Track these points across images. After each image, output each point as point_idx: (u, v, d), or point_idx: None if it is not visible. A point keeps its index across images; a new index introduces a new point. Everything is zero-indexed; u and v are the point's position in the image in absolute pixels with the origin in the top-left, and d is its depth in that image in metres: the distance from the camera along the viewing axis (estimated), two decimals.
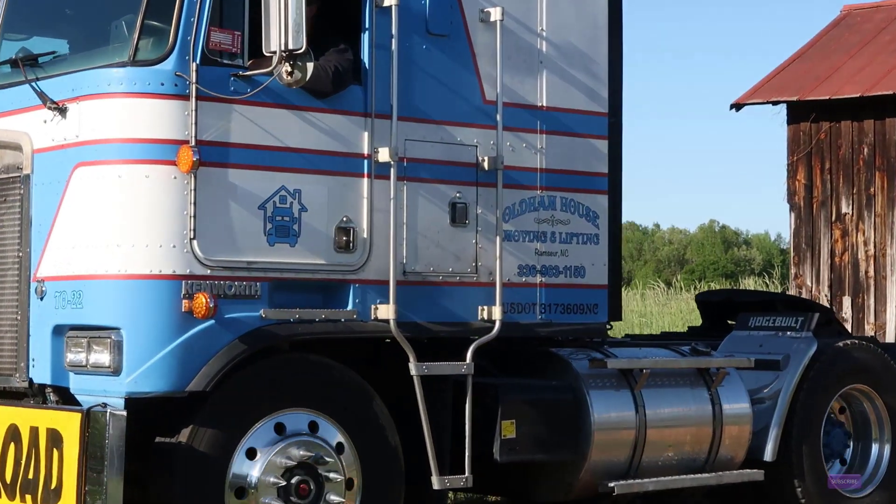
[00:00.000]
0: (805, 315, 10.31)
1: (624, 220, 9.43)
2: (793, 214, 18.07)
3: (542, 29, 8.73)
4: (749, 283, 32.98)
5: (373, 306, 7.95)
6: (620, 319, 9.45)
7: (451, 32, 8.35)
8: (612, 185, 9.13)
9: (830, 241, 17.71)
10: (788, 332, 10.29)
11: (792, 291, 18.12)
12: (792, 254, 18.14)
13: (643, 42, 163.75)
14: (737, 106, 18.18)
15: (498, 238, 8.41)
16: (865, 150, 17.46)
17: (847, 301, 17.54)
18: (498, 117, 8.43)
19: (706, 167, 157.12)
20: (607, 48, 9.07)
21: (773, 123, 18.31)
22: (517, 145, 8.60)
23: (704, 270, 58.29)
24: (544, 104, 8.75)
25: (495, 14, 8.42)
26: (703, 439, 9.33)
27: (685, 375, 9.47)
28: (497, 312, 8.35)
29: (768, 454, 9.71)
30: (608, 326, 9.18)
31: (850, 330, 17.36)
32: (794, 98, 17.74)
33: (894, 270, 17.19)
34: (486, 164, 8.41)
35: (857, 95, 17.23)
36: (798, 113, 18.01)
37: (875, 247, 17.35)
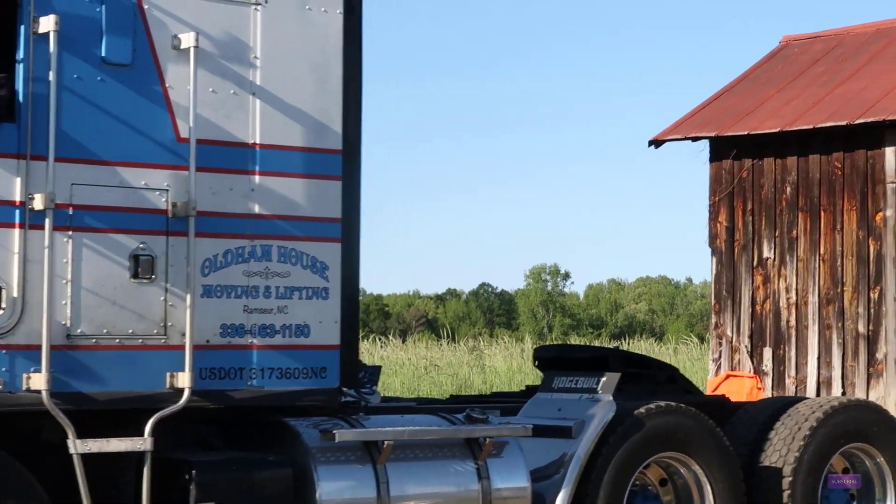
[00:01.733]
0: (606, 376, 9.19)
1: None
2: (714, 259, 16.93)
3: (255, 56, 7.72)
4: None
5: (24, 375, 6.95)
6: (357, 384, 8.37)
7: (135, 62, 7.35)
8: (347, 231, 8.07)
9: (752, 287, 16.54)
10: (589, 395, 9.18)
11: (713, 342, 16.95)
12: (713, 301, 16.97)
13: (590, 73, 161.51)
14: (656, 143, 17.08)
15: (189, 294, 7.38)
16: (788, 189, 16.31)
17: (768, 352, 16.35)
18: (190, 157, 7.41)
19: None
20: (341, 77, 8.04)
21: (697, 161, 17.21)
22: (220, 188, 7.58)
23: None
24: (258, 141, 7.72)
25: (187, 40, 7.41)
26: None
27: (449, 446, 8.38)
28: (185, 379, 7.32)
29: None
30: (343, 392, 8.11)
31: (770, 384, 16.19)
32: (713, 134, 16.62)
33: (816, 320, 15.98)
34: (177, 211, 7.40)
35: (777, 130, 16.09)
36: (721, 150, 16.90)
37: (797, 294, 16.16)
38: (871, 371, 15.57)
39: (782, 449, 9.88)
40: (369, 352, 44.67)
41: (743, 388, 16.46)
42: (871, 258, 15.64)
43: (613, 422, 8.95)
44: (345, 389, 8.28)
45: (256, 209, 7.70)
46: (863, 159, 15.75)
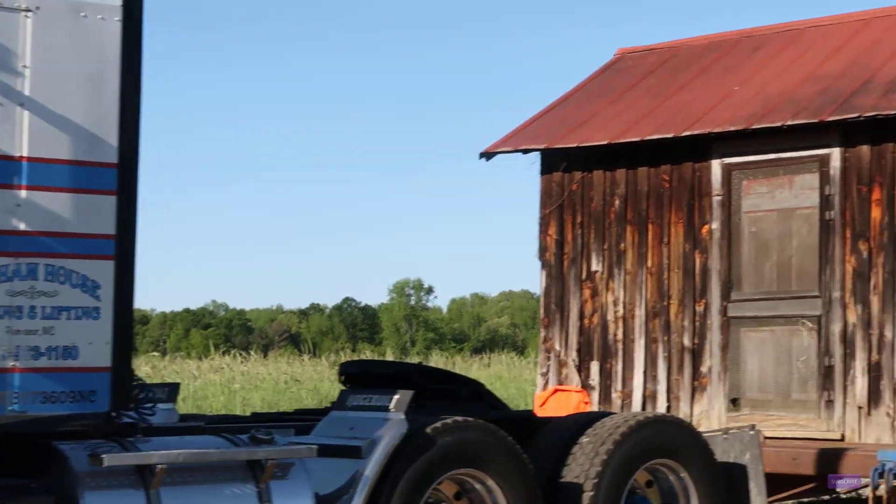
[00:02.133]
0: (400, 393, 8.98)
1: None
2: (544, 272, 16.84)
3: (24, 65, 7.39)
4: None
5: None
6: (130, 406, 8.05)
7: None
8: (122, 249, 7.76)
9: (580, 301, 16.48)
10: (382, 413, 8.96)
11: (541, 356, 16.86)
12: (542, 315, 16.88)
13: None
14: (486, 155, 16.95)
15: None
16: (617, 201, 16.28)
17: (595, 366, 16.30)
18: None
19: None
20: (118, 87, 7.73)
21: (529, 174, 17.12)
22: None
23: None
24: (25, 154, 7.39)
25: None
26: None
27: (230, 469, 8.11)
28: None
29: None
30: (115, 415, 7.80)
31: (597, 398, 16.14)
32: (543, 146, 16.54)
33: (643, 333, 15.97)
34: None
35: (606, 142, 16.05)
36: (552, 162, 16.82)
37: (624, 308, 16.13)
38: (696, 385, 15.59)
39: (585, 464, 9.76)
40: (230, 367, 44.19)
41: (570, 402, 16.40)
42: (697, 271, 15.67)
43: (404, 440, 8.74)
44: (123, 412, 7.97)
45: (22, 226, 7.37)
46: (690, 172, 15.78)
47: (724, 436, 11.03)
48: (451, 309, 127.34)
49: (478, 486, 9.18)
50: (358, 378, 10.43)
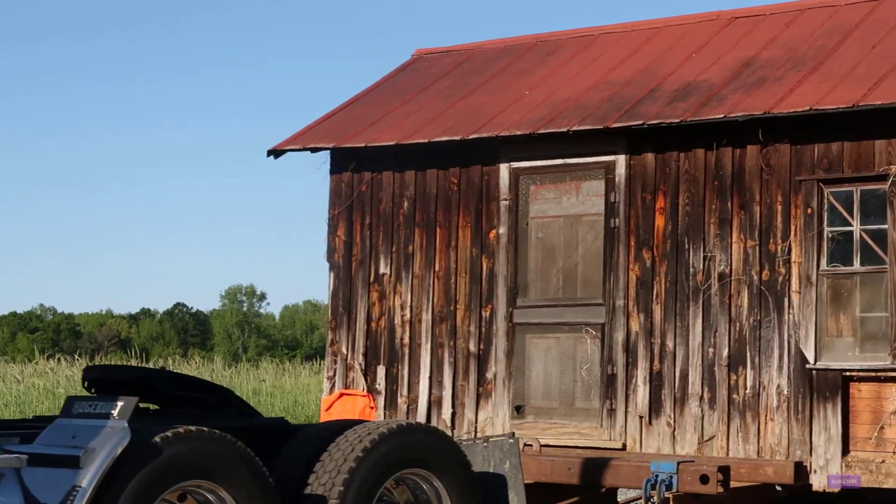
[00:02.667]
0: (124, 400, 8.46)
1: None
2: (332, 274, 16.41)
3: None
4: None
5: None
6: None
7: None
8: None
9: (368, 304, 16.09)
10: (105, 421, 8.44)
11: (328, 360, 16.43)
12: (329, 317, 16.45)
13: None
14: (275, 153, 16.46)
15: None
16: (406, 204, 15.92)
17: (381, 371, 15.91)
18: None
19: None
20: None
21: (320, 174, 16.68)
22: None
23: None
24: None
25: None
26: None
27: None
28: None
29: None
30: None
31: (383, 403, 15.77)
32: (332, 145, 16.11)
33: (430, 338, 15.63)
34: None
35: (394, 143, 15.69)
36: (342, 162, 16.40)
37: (411, 311, 15.78)
38: (481, 391, 15.31)
39: (332, 472, 9.37)
40: (54, 371, 43.02)
41: (356, 407, 16.01)
42: (484, 276, 15.39)
43: (127, 450, 8.24)
44: None
45: None
46: (478, 175, 15.50)
47: (485, 444, 10.74)
48: (284, 316, 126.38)
49: (210, 498, 8.72)
50: (102, 384, 9.91)
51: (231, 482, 8.69)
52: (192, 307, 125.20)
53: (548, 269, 15.10)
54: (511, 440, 10.53)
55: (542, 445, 14.32)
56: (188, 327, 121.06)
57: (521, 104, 15.65)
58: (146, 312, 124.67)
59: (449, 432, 15.33)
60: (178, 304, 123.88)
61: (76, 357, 54.46)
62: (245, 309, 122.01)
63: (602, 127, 14.34)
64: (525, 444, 13.71)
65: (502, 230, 15.32)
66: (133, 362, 51.70)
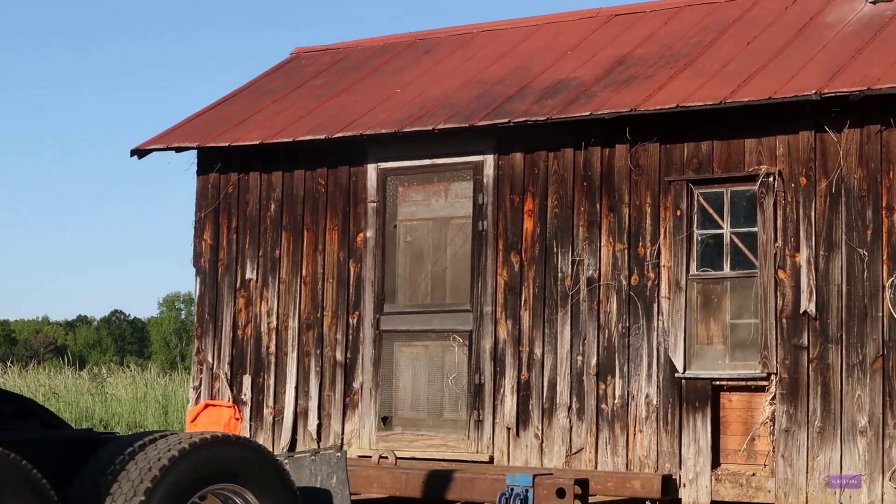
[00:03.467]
0: None
1: None
2: (198, 280, 15.72)
3: None
4: None
5: None
6: None
7: None
8: None
9: (234, 310, 15.41)
10: None
11: (194, 369, 15.73)
12: (195, 325, 15.75)
13: None
14: (139, 152, 15.76)
15: None
16: (273, 206, 15.27)
17: (248, 380, 15.24)
18: None
19: None
20: None
21: (188, 175, 16.01)
22: None
23: None
24: None
25: None
26: None
27: None
28: None
29: None
30: None
31: (248, 414, 15.10)
32: (196, 144, 15.43)
33: (296, 346, 14.97)
34: None
35: (257, 143, 15.04)
36: (209, 163, 15.73)
37: (278, 318, 15.12)
38: (348, 401, 14.67)
39: (129, 491, 8.68)
40: None
41: (221, 418, 15.34)
42: (352, 281, 14.75)
43: None
44: None
45: None
46: (346, 176, 14.87)
47: (312, 458, 10.10)
48: None
49: None
50: None
51: (16, 500, 8.00)
52: (129, 314, 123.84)
53: (416, 273, 14.49)
54: (339, 453, 9.90)
55: (406, 458, 13.71)
56: (125, 335, 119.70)
57: (391, 103, 15.04)
58: (83, 319, 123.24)
59: (315, 445, 14.69)
60: (115, 312, 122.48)
61: (9, 364, 53.44)
62: (183, 317, 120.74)
63: (467, 125, 13.74)
64: (381, 457, 13.09)
65: (370, 233, 14.69)
66: (68, 370, 50.80)
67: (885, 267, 12.13)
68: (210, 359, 15.51)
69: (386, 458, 13.00)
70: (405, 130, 14.09)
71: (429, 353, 14.32)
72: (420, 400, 14.35)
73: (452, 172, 14.30)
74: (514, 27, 16.30)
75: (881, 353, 12.08)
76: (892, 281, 12.05)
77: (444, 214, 14.36)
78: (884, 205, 12.16)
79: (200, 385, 15.60)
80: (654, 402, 13.03)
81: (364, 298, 14.68)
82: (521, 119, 13.47)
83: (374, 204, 14.67)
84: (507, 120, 13.55)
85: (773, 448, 12.50)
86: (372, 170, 14.71)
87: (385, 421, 14.45)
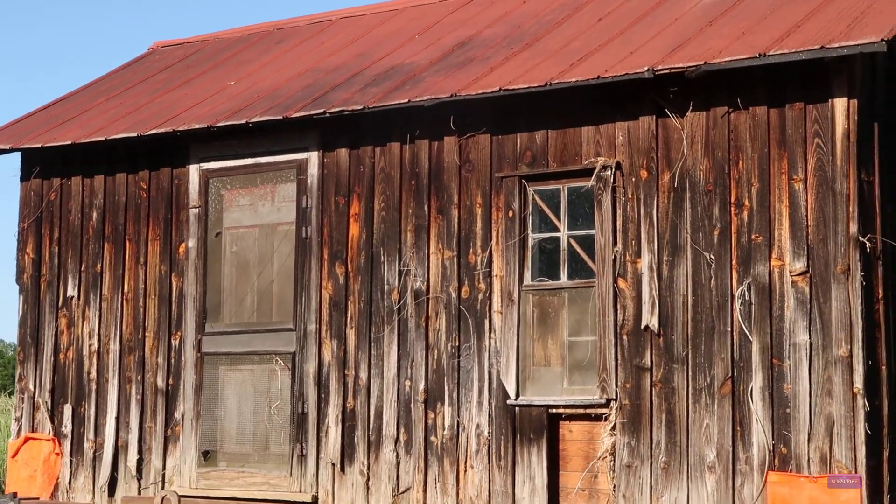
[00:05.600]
0: None
1: None
2: (21, 298, 14.09)
3: None
4: None
5: None
6: None
7: None
8: None
9: (56, 332, 13.75)
10: None
11: (17, 398, 14.08)
12: (18, 349, 14.10)
13: None
14: None
15: None
16: (95, 214, 13.61)
17: (69, 410, 13.56)
18: None
19: None
20: None
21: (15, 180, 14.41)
22: None
23: None
24: None
25: None
26: None
27: None
28: None
29: None
30: None
31: (69, 449, 13.43)
32: (9, 146, 13.81)
33: (117, 371, 13.28)
34: None
35: (69, 143, 13.38)
36: (31, 167, 14.10)
37: (99, 340, 13.44)
38: (169, 433, 12.95)
39: None
40: None
41: (41, 452, 13.68)
42: (174, 298, 13.06)
43: None
44: None
45: None
46: (168, 179, 13.19)
47: None
48: None
49: None
50: None
51: None
52: None
53: (242, 288, 12.78)
54: (12, 502, 8.21)
55: (226, 499, 12.04)
56: None
57: (221, 96, 13.36)
58: None
59: (136, 483, 13.01)
60: None
61: None
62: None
63: (282, 117, 12.03)
64: (163, 498, 11.37)
65: (192, 243, 13.00)
66: None
67: (734, 273, 10.29)
68: (31, 386, 13.85)
69: (170, 499, 11.28)
70: (219, 125, 12.41)
71: (254, 378, 12.60)
72: (245, 432, 12.63)
73: (276, 172, 12.59)
74: (374, 13, 14.62)
75: (730, 374, 10.24)
76: (742, 290, 10.21)
77: (270, 220, 12.66)
78: (732, 200, 10.34)
79: (22, 416, 13.94)
80: (486, 433, 11.25)
81: (186, 317, 12.98)
82: (337, 109, 11.76)
83: (197, 210, 12.99)
84: (322, 111, 11.83)
85: (615, 487, 10.68)
86: (194, 171, 13.03)
87: (206, 455, 12.73)
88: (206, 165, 12.96)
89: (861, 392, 9.73)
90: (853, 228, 9.83)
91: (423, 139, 11.71)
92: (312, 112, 11.88)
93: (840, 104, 9.90)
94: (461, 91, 11.16)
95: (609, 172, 10.75)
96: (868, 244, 9.84)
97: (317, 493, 12.05)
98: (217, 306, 12.87)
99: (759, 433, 10.07)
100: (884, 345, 9.96)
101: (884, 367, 9.97)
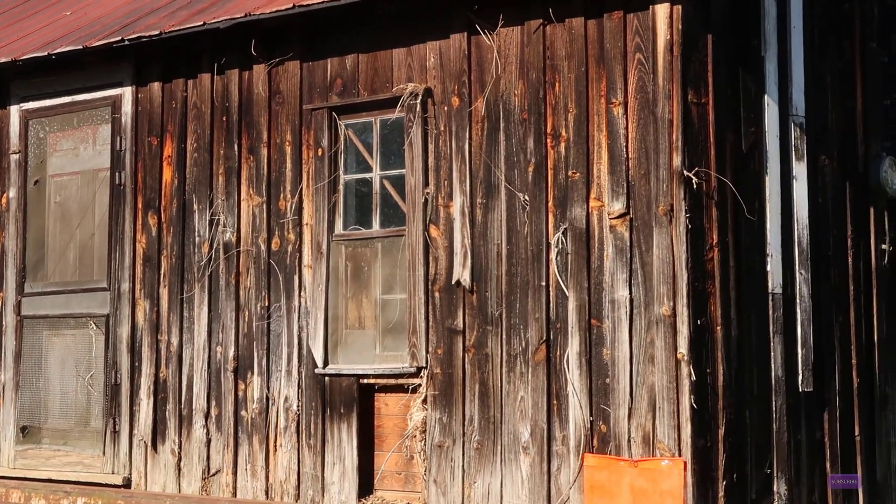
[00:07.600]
0: None
1: None
2: None
3: None
4: None
5: None
6: None
7: None
8: None
9: None
10: None
11: None
12: None
13: None
14: None
15: None
16: None
17: None
18: None
19: None
20: None
21: None
22: None
23: None
24: None
25: None
26: None
27: None
28: None
29: None
30: None
31: None
32: None
33: None
34: None
35: None
36: None
37: None
38: None
39: None
40: None
41: None
42: None
43: None
44: None
45: None
46: None
47: None
48: None
49: None
50: None
51: None
52: None
53: (65, 243, 11.36)
54: None
55: (41, 481, 10.67)
56: None
57: (49, 28, 11.93)
58: None
59: None
60: None
61: None
62: None
63: (81, 47, 10.55)
64: None
65: (13, 193, 11.61)
66: None
67: (550, 217, 8.61)
68: None
69: None
70: (24, 58, 10.97)
71: (76, 344, 11.18)
72: (68, 405, 11.22)
73: (93, 111, 11.13)
74: None
75: (544, 337, 8.57)
76: (559, 237, 8.53)
77: (91, 166, 11.21)
78: (548, 130, 8.65)
79: None
80: (295, 407, 9.70)
81: (6, 276, 11.59)
82: (134, 36, 10.24)
83: (17, 156, 11.58)
84: (119, 38, 10.32)
85: (426, 470, 9.09)
86: (15, 112, 11.62)
87: (24, 431, 11.34)
88: (25, 105, 11.54)
89: (686, 358, 8.03)
90: (676, 161, 8.11)
91: (234, 69, 10.16)
92: (112, 40, 10.38)
93: (662, 10, 8.18)
94: (257, 9, 9.59)
95: (418, 101, 9.11)
96: (695, 179, 8.11)
97: (129, 474, 10.61)
98: (39, 263, 11.46)
99: (576, 408, 8.41)
100: (718, 301, 8.22)
101: (719, 329, 8.22)
